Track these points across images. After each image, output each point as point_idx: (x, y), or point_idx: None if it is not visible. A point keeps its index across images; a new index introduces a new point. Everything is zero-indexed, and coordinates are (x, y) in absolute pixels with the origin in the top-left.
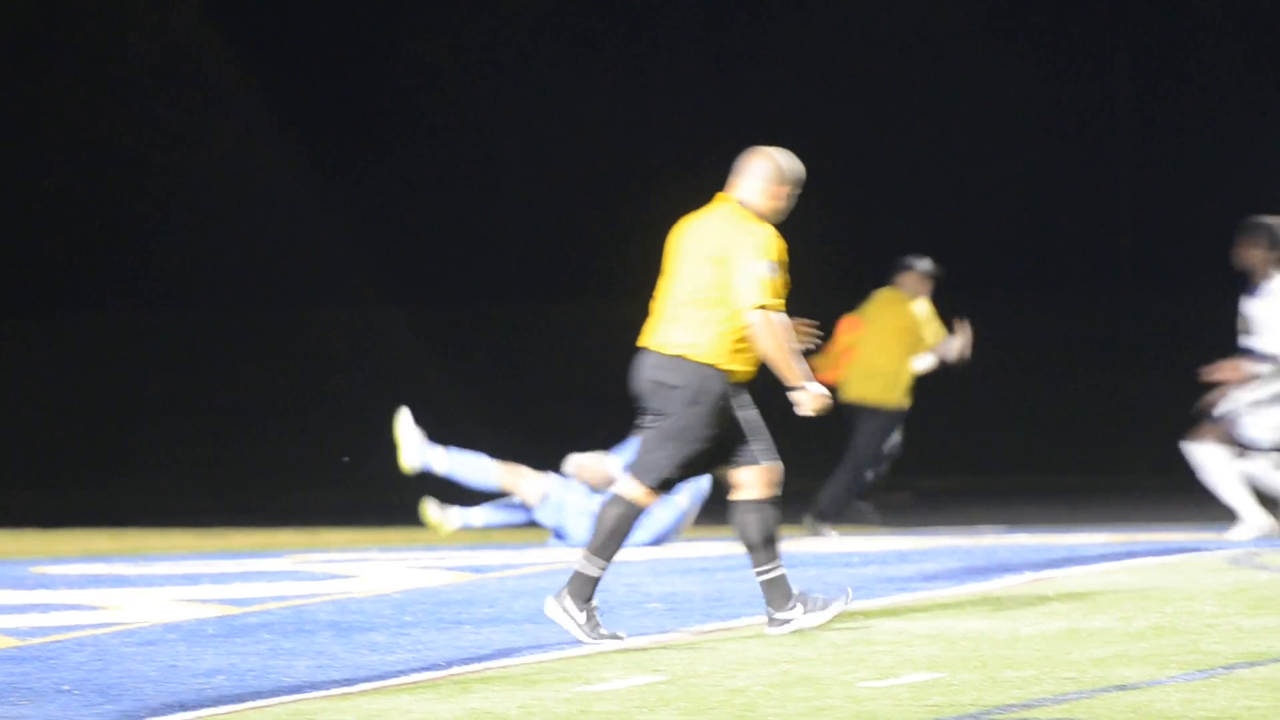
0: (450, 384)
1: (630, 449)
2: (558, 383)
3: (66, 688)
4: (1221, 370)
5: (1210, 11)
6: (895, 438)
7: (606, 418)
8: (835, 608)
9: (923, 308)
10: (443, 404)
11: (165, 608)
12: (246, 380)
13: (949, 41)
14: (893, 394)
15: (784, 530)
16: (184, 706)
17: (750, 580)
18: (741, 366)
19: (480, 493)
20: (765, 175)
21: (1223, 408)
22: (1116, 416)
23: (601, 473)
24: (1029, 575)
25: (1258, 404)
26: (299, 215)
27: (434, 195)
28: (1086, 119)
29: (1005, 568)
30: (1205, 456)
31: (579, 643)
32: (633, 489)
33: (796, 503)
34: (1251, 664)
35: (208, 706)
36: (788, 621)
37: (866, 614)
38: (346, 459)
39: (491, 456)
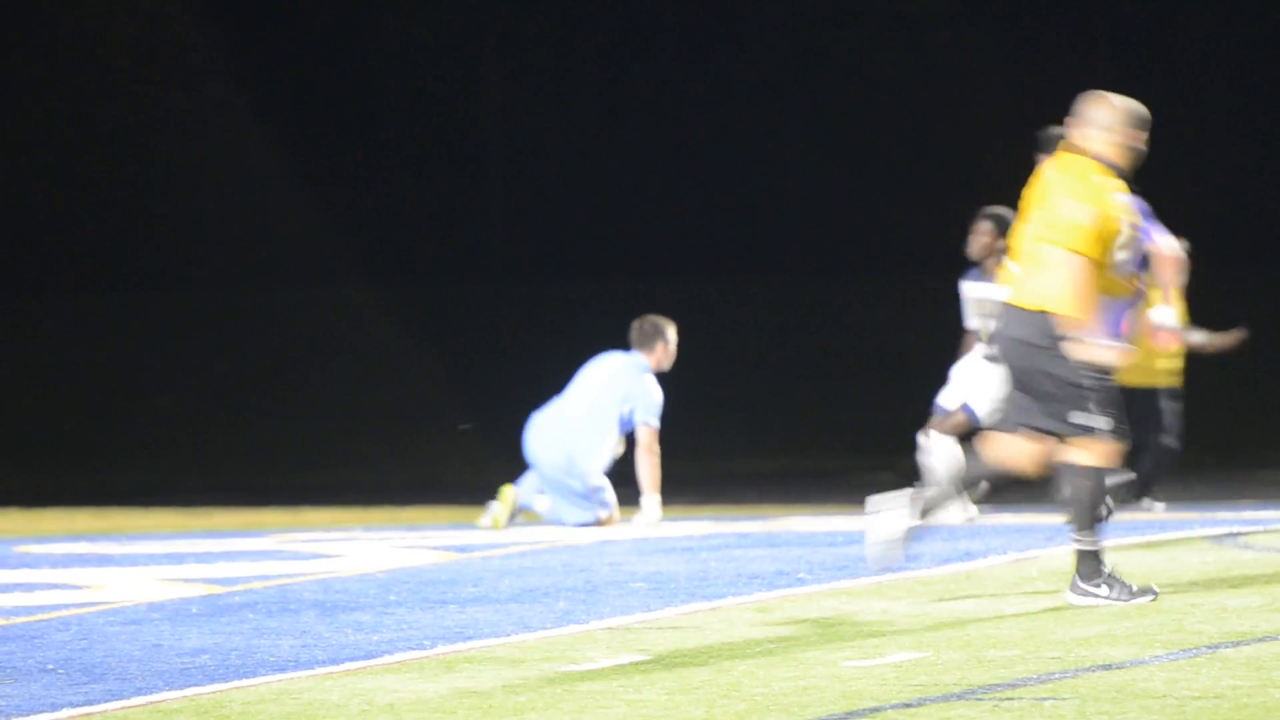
0: (431, 365)
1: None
2: (543, 364)
3: (51, 667)
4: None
5: None
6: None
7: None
8: (1142, 599)
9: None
10: (423, 384)
11: (149, 587)
12: (230, 360)
13: (932, 24)
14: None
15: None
16: (168, 685)
17: (734, 560)
18: (1087, 316)
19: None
20: (1104, 123)
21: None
22: None
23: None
24: (1013, 554)
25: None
26: (281, 196)
27: (414, 175)
28: (1066, 99)
29: (989, 547)
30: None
31: (563, 623)
32: (1087, 455)
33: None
34: (1236, 643)
35: (192, 686)
36: (1092, 595)
37: (850, 593)
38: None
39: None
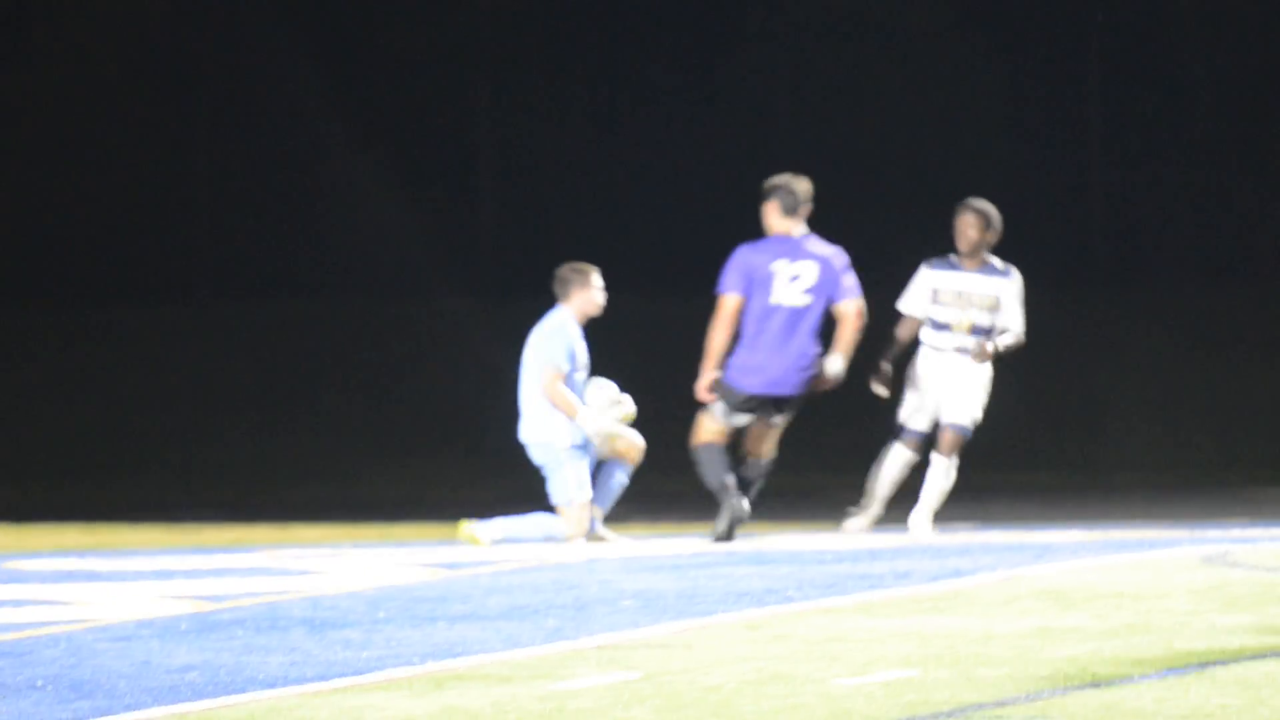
0: (418, 380)
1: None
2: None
3: (40, 684)
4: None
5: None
6: None
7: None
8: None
9: None
10: (412, 400)
11: (139, 603)
12: (217, 376)
13: (929, 42)
14: None
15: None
16: (158, 702)
17: (724, 577)
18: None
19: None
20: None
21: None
22: (1087, 414)
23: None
24: (1002, 573)
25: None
26: (265, 209)
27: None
28: (1056, 116)
29: (978, 565)
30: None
31: (552, 640)
32: None
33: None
34: (1224, 662)
35: (181, 702)
36: None
37: (840, 611)
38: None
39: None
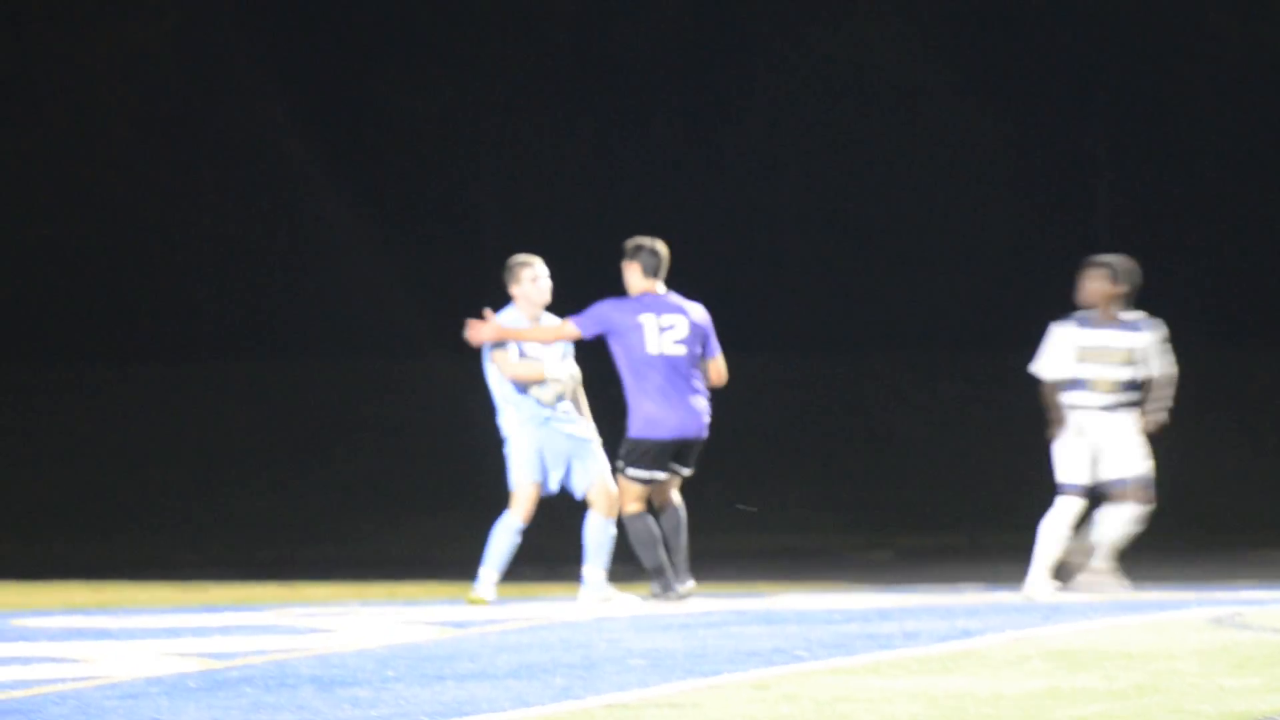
0: (428, 438)
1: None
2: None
3: None
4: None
5: (1186, 67)
6: None
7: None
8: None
9: None
10: (420, 459)
11: (146, 661)
12: (224, 435)
13: (929, 98)
14: None
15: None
16: None
17: (732, 637)
18: None
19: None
20: None
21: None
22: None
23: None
24: (1011, 633)
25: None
26: (260, 267)
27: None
28: (1062, 176)
29: (987, 626)
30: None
31: (560, 699)
32: None
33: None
34: None
35: None
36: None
37: (849, 671)
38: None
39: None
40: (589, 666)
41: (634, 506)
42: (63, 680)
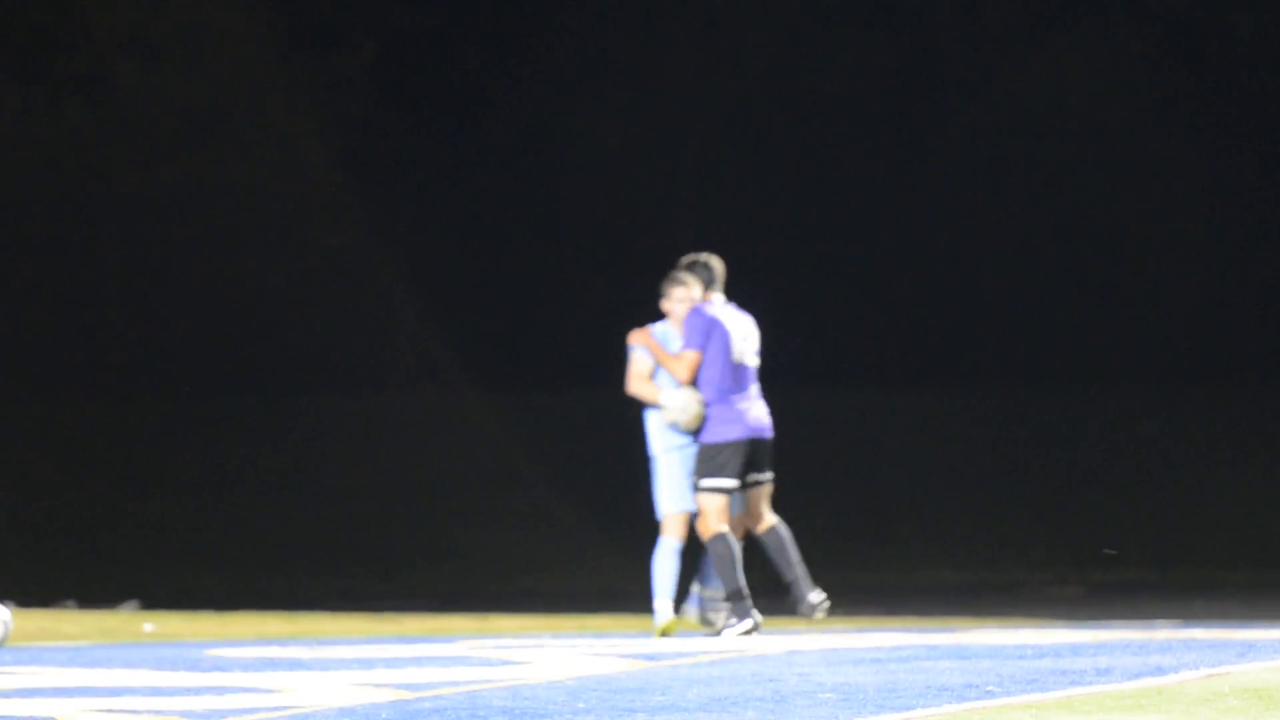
0: (622, 474)
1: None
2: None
3: None
4: None
5: None
6: None
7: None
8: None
9: None
10: (611, 493)
11: (339, 691)
12: (418, 466)
13: (1125, 127)
14: None
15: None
16: None
17: (924, 671)
18: None
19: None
20: None
21: None
22: None
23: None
24: (1205, 670)
25: None
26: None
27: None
28: (1265, 209)
29: (1181, 663)
30: None
31: None
32: None
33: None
34: None
35: None
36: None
37: (1041, 707)
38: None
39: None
40: (779, 700)
41: (716, 526)
42: (256, 710)
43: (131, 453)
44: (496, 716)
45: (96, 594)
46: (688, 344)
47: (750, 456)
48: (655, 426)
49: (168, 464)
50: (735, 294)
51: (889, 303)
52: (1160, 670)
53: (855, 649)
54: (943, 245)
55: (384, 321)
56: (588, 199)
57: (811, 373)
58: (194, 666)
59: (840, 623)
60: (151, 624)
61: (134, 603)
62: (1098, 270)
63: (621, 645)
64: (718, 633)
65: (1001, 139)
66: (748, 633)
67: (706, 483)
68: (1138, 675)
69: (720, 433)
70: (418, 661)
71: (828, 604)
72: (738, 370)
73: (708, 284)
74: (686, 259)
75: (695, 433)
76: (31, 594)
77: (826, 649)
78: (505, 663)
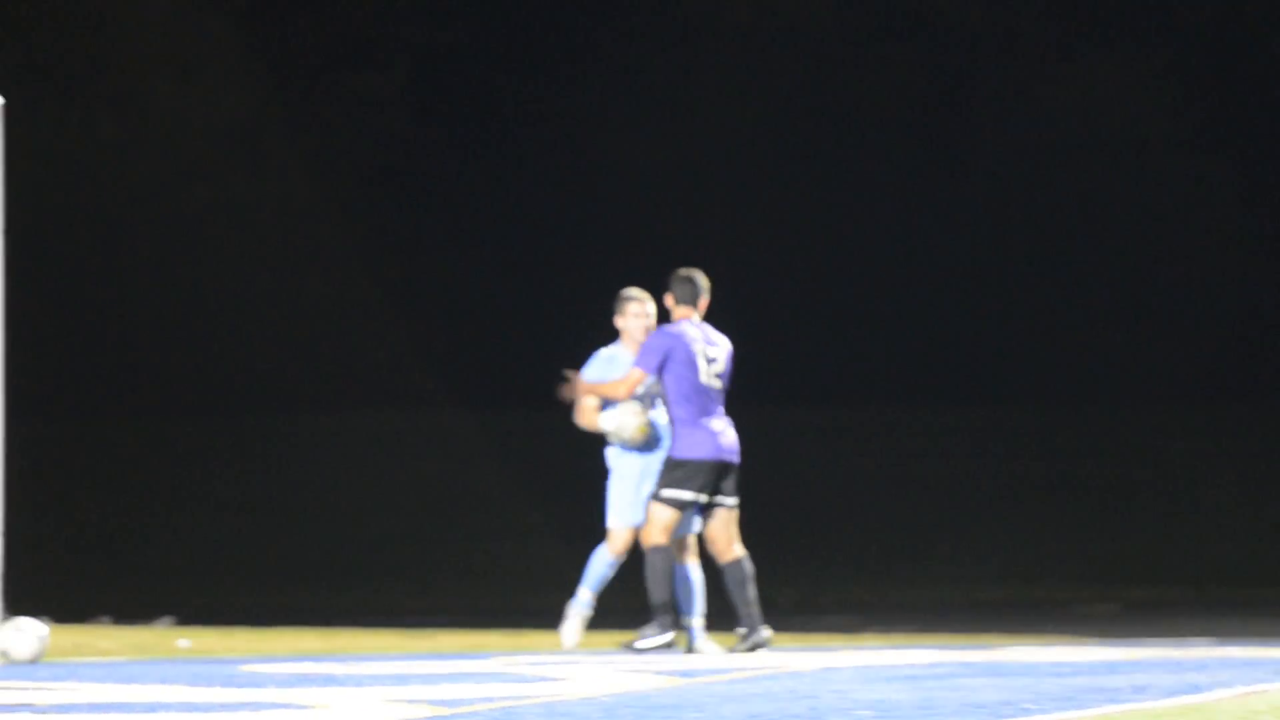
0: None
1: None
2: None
3: None
4: None
5: None
6: None
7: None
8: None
9: None
10: None
11: (374, 707)
12: (450, 483)
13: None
14: None
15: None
16: None
17: (960, 689)
18: None
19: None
20: None
21: None
22: None
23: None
24: (1240, 688)
25: None
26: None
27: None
28: None
29: (1216, 681)
30: None
31: None
32: None
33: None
34: None
35: None
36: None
37: None
38: None
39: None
40: (815, 717)
41: (659, 538)
42: None
43: (166, 470)
44: None
45: (132, 610)
46: (636, 362)
47: (715, 479)
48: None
49: (202, 481)
50: (773, 312)
51: (927, 321)
52: (1196, 688)
53: (891, 666)
54: (982, 263)
55: (414, 339)
56: (614, 215)
57: (849, 391)
58: (229, 682)
59: (876, 639)
60: (186, 640)
61: (169, 618)
62: (1132, 290)
63: (657, 661)
64: (631, 645)
65: (1036, 156)
66: (664, 646)
67: (666, 493)
68: (1173, 693)
69: (688, 449)
70: (452, 677)
71: (771, 642)
72: (706, 392)
73: (689, 300)
74: (680, 272)
75: (645, 446)
76: (67, 610)
77: (862, 666)
78: (540, 679)
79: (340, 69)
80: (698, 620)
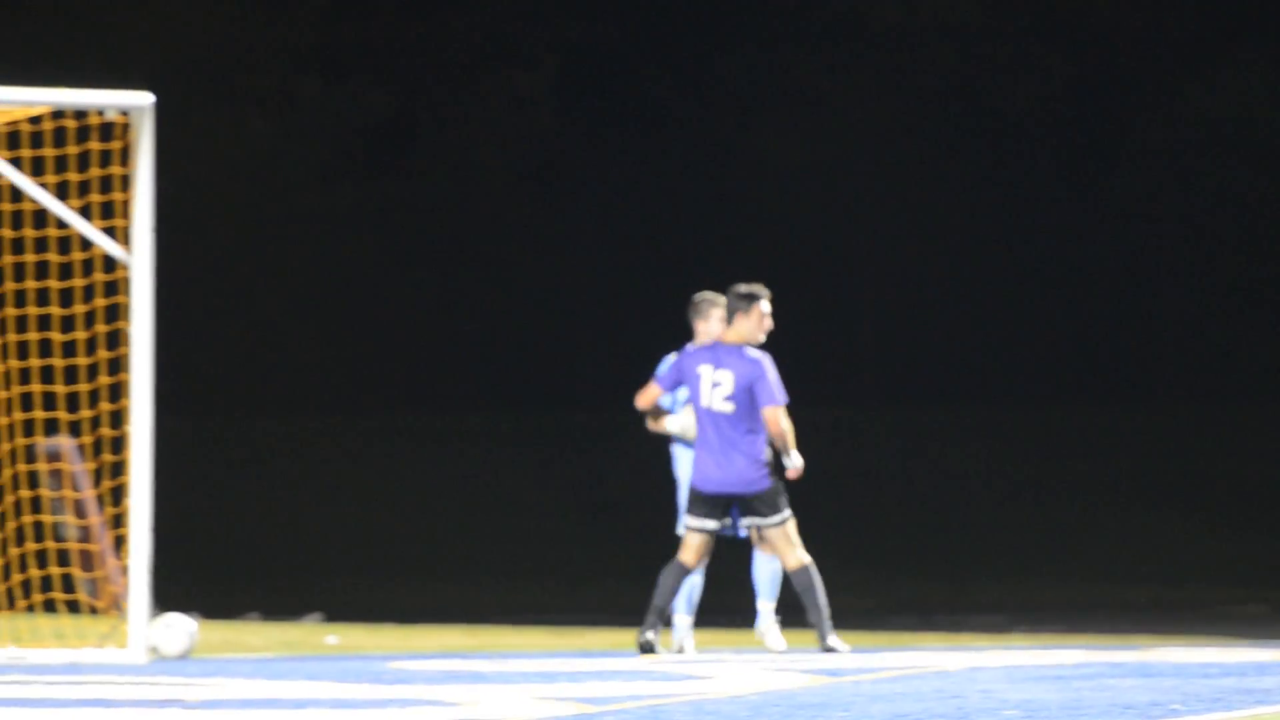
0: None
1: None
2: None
3: None
4: None
5: None
6: None
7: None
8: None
9: None
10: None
11: (521, 705)
12: (601, 479)
13: None
14: None
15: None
16: None
17: (1108, 689)
18: None
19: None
20: None
21: None
22: None
23: None
24: None
25: None
26: None
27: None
28: None
29: None
30: None
31: None
32: None
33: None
34: None
35: None
36: None
37: None
38: None
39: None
40: (963, 717)
41: (684, 556)
42: None
43: (315, 466)
44: None
45: (280, 606)
46: (657, 376)
47: (717, 506)
48: (678, 452)
49: (350, 478)
50: (923, 311)
51: (1082, 322)
52: None
53: (1039, 666)
54: (1125, 263)
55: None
56: (749, 215)
57: (999, 390)
58: (377, 679)
59: (1023, 639)
60: (335, 636)
61: (318, 615)
62: (1277, 287)
63: (804, 660)
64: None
65: (1185, 155)
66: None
67: (684, 517)
68: None
69: (691, 475)
70: (600, 675)
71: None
72: (708, 417)
73: (728, 318)
74: (741, 288)
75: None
76: (216, 606)
77: (1010, 666)
78: (687, 677)
79: (489, 67)
80: (681, 618)
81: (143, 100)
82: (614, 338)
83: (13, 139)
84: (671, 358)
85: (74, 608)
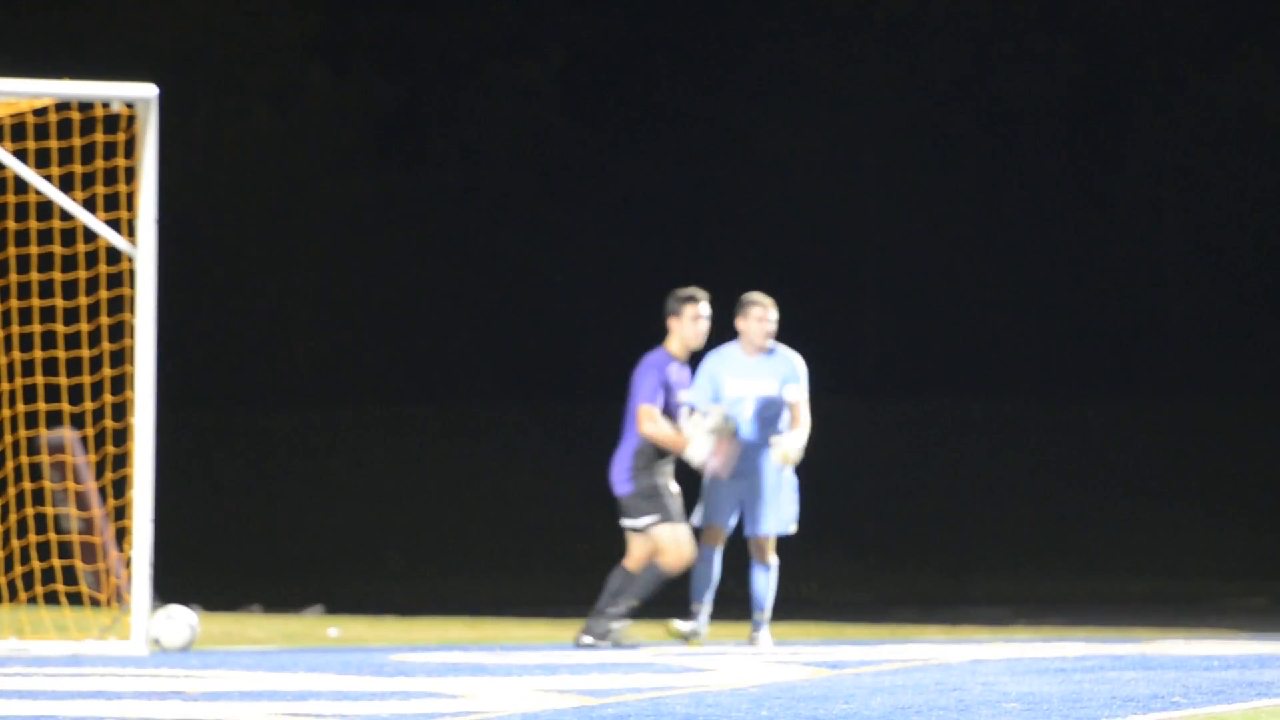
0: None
1: None
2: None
3: None
4: None
5: None
6: None
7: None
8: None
9: None
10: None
11: (523, 697)
12: (603, 471)
13: None
14: None
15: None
16: None
17: (1109, 682)
18: None
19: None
20: None
21: None
22: None
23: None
24: None
25: None
26: None
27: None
28: None
29: None
30: None
31: None
32: None
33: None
34: None
35: None
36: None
37: (1227, 718)
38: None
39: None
40: (963, 709)
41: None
42: (440, 715)
43: (317, 459)
44: None
45: (282, 599)
46: (640, 398)
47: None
48: None
49: (352, 471)
50: (933, 304)
51: (1084, 316)
52: None
53: (1040, 659)
54: (1131, 255)
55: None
56: (776, 209)
57: (1002, 384)
58: (378, 671)
59: (1025, 632)
60: (336, 629)
61: (319, 607)
62: None
63: (804, 653)
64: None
65: (1192, 151)
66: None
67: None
68: None
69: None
70: (601, 667)
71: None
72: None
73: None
74: (679, 291)
75: (734, 433)
76: (218, 598)
77: (1011, 658)
78: (688, 669)
79: (497, 59)
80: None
81: (148, 92)
82: (620, 330)
83: (17, 130)
84: (713, 358)
85: (76, 600)
